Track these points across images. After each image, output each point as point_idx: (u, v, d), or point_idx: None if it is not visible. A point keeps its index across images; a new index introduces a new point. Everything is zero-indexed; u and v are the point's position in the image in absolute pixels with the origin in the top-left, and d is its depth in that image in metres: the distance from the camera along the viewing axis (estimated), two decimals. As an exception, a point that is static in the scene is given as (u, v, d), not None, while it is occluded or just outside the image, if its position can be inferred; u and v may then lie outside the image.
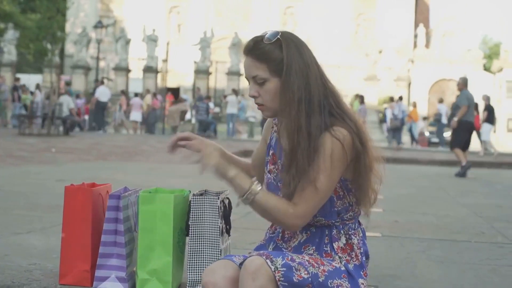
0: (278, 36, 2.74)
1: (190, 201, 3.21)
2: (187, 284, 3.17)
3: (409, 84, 53.12)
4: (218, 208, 3.18)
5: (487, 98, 24.42)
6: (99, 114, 31.62)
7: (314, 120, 2.69)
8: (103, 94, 32.28)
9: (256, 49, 2.74)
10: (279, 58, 2.71)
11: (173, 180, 10.72)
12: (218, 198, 3.19)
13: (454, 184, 12.70)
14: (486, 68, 59.35)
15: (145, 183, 9.15)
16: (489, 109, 24.40)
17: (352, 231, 2.83)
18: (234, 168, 2.72)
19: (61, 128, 26.36)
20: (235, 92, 33.86)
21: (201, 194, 3.26)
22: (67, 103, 28.18)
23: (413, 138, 32.55)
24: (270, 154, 2.91)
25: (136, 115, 33.98)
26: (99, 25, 37.91)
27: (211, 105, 34.44)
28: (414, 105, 35.67)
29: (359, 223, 2.88)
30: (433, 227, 6.42)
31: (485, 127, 25.23)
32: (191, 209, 3.18)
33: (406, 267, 4.25)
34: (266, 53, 2.72)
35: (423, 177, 14.51)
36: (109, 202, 3.22)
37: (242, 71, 40.51)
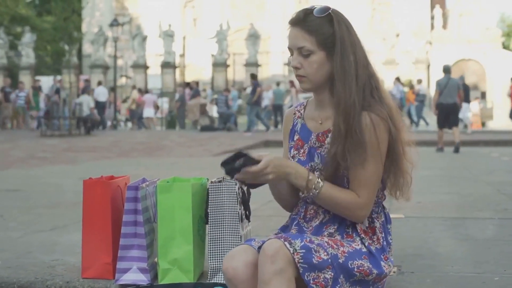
0: (330, 11, 2.76)
1: (208, 188, 3.21)
2: (209, 272, 3.17)
3: (428, 66, 52.79)
4: (237, 194, 3.17)
5: (461, 79, 24.63)
6: (99, 114, 31.71)
7: (358, 97, 2.71)
8: (101, 94, 32.57)
9: (306, 21, 2.75)
10: (328, 32, 2.73)
11: (194, 172, 10.71)
12: (236, 184, 3.18)
13: (478, 163, 12.63)
14: (505, 46, 58.90)
15: (166, 176, 9.15)
16: (465, 89, 24.58)
17: (375, 214, 2.81)
18: (291, 164, 2.71)
19: (82, 128, 26.47)
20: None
21: (220, 181, 3.26)
22: (87, 103, 28.26)
23: (412, 120, 32.16)
24: (295, 139, 2.89)
25: (148, 112, 34.29)
26: (114, 23, 37.93)
27: (231, 96, 34.37)
28: (411, 87, 35.23)
29: (383, 207, 2.86)
30: (456, 206, 6.38)
31: (463, 106, 25.26)
32: (210, 197, 3.18)
33: (429, 246, 4.23)
34: (316, 26, 2.73)
35: (443, 157, 14.44)
36: (127, 194, 3.22)
37: (260, 61, 40.52)
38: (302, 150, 2.84)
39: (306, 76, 2.77)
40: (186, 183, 3.20)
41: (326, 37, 2.72)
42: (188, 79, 49.63)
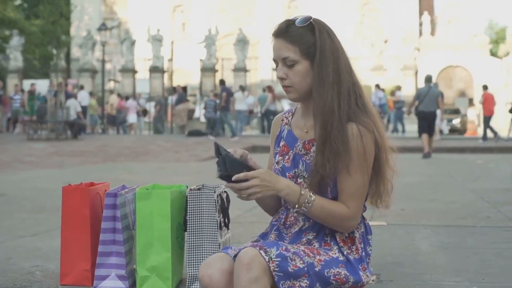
0: (311, 21, 2.79)
1: (187, 196, 3.21)
2: (187, 279, 3.17)
3: (416, 72, 52.96)
4: (215, 202, 3.18)
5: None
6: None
7: (343, 105, 2.74)
8: (84, 98, 32.58)
9: (289, 31, 2.77)
10: (311, 42, 2.75)
11: (180, 177, 10.75)
12: (215, 192, 3.18)
13: (462, 170, 12.66)
14: (493, 53, 59.10)
15: (152, 182, 9.14)
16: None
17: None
18: (282, 180, 2.70)
19: (69, 132, 26.41)
20: (242, 88, 33.80)
21: (199, 189, 3.26)
22: (75, 107, 28.19)
23: (394, 127, 32.13)
24: (281, 145, 2.91)
25: (132, 117, 34.44)
26: (103, 28, 37.88)
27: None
28: (392, 94, 35.36)
29: (363, 218, 2.88)
30: (439, 213, 6.40)
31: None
32: (188, 204, 3.18)
33: (409, 254, 4.24)
34: (299, 36, 2.76)
35: (429, 164, 14.49)
36: (106, 201, 3.22)
37: (249, 67, 40.57)
38: (287, 157, 2.86)
39: (292, 86, 2.79)
40: (165, 191, 3.20)
41: (309, 46, 2.75)
42: (176, 83, 49.65)
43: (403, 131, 31.57)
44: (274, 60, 2.84)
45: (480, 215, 6.21)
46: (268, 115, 30.78)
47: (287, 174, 2.81)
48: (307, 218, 2.81)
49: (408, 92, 43.23)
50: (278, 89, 32.97)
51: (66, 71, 52.97)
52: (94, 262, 3.28)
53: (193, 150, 20.40)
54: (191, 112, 33.65)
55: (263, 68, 55.97)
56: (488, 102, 27.24)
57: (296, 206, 2.69)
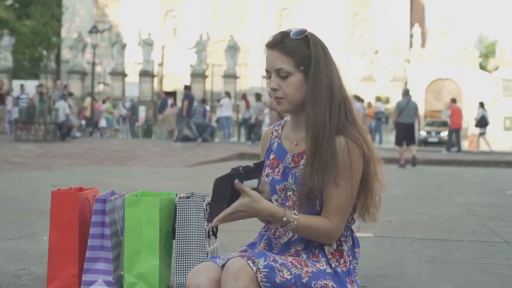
0: (306, 34, 2.80)
1: (176, 204, 3.22)
2: (174, 287, 3.17)
3: (406, 84, 53.05)
4: (204, 210, 3.18)
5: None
6: None
7: (333, 118, 2.76)
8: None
9: (284, 42, 2.78)
10: (305, 54, 2.77)
11: (168, 183, 10.74)
12: (204, 200, 3.19)
13: (450, 183, 12.72)
14: (483, 67, 59.30)
15: (140, 186, 9.15)
16: None
17: (344, 238, 2.85)
18: (265, 206, 2.68)
19: (57, 134, 26.35)
20: (228, 95, 33.78)
21: (188, 197, 3.27)
22: (63, 109, 28.11)
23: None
24: (271, 158, 2.92)
25: (103, 121, 34.51)
26: (94, 30, 37.82)
27: (207, 108, 34.44)
28: (370, 105, 35.60)
29: (352, 231, 2.90)
30: (425, 226, 6.42)
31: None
32: (177, 212, 3.18)
33: (396, 267, 4.26)
34: (294, 48, 2.77)
35: (417, 176, 14.54)
36: (95, 206, 3.23)
37: (239, 74, 40.58)
38: (277, 169, 2.87)
39: (285, 97, 2.80)
40: (154, 198, 3.21)
41: (304, 59, 2.76)
42: (166, 88, 49.66)
43: (380, 141, 31.85)
44: (267, 70, 2.85)
45: (466, 229, 6.24)
46: (244, 123, 30.98)
47: (277, 187, 2.82)
48: None
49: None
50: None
51: (56, 72, 52.79)
52: (82, 267, 3.28)
53: (181, 155, 20.38)
54: (179, 117, 33.58)
55: (253, 75, 55.97)
56: (456, 115, 28.17)
57: (282, 227, 2.73)
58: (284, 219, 2.68)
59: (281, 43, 2.79)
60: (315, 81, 2.76)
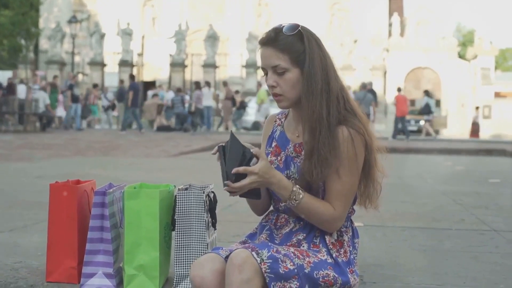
0: (299, 29, 2.81)
1: (175, 195, 3.23)
2: (174, 278, 3.19)
3: (385, 73, 53.29)
4: (204, 202, 3.19)
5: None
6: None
7: (332, 111, 2.79)
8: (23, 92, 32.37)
9: (278, 39, 2.80)
10: (300, 50, 2.79)
11: (153, 173, 10.73)
12: (204, 192, 3.21)
13: (432, 172, 12.80)
14: (461, 56, 59.65)
15: (127, 177, 9.15)
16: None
17: (344, 228, 2.89)
18: (276, 174, 2.73)
19: (37, 124, 26.24)
20: (208, 84, 33.76)
21: (186, 189, 3.29)
22: (43, 99, 27.99)
23: None
24: (273, 146, 2.96)
25: (60, 111, 34.33)
26: (73, 20, 37.67)
27: (187, 97, 34.41)
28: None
29: (351, 222, 2.94)
30: (414, 215, 6.46)
31: None
32: (177, 204, 3.19)
33: (389, 256, 4.29)
34: (288, 44, 2.79)
35: (399, 165, 14.61)
36: (95, 199, 3.23)
37: (218, 63, 40.55)
38: (279, 157, 2.91)
39: (283, 94, 2.83)
40: (154, 190, 3.21)
41: (299, 54, 2.79)
42: (146, 78, 49.52)
43: None
44: (263, 68, 2.87)
45: (454, 218, 6.29)
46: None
47: (284, 173, 2.85)
48: (298, 220, 2.87)
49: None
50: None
51: (34, 63, 52.51)
52: (81, 260, 3.29)
53: (162, 145, 20.36)
54: (160, 107, 33.55)
55: (232, 65, 55.93)
56: (401, 104, 29.25)
57: (287, 201, 2.74)
58: (294, 188, 2.71)
59: (275, 40, 2.81)
60: (310, 76, 2.78)
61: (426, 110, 32.16)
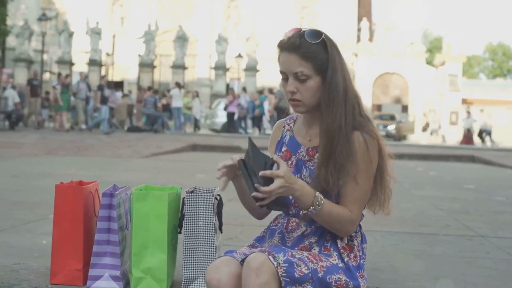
0: (323, 37, 2.81)
1: (183, 198, 3.21)
2: (182, 282, 3.17)
3: (353, 77, 53.54)
4: (213, 205, 3.19)
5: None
6: None
7: (349, 118, 2.79)
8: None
9: (302, 47, 2.79)
10: (324, 58, 2.79)
11: (129, 174, 10.67)
12: (212, 195, 3.20)
13: (406, 177, 12.86)
14: (428, 62, 60.15)
15: (103, 177, 9.07)
16: None
17: (354, 233, 2.90)
18: (298, 181, 2.70)
19: (6, 123, 25.98)
20: (179, 85, 33.67)
21: (192, 192, 3.27)
22: (12, 97, 27.71)
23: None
24: (283, 150, 2.95)
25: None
26: (43, 18, 37.24)
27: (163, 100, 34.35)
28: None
29: (360, 227, 2.95)
30: (399, 220, 6.48)
31: None
32: (186, 207, 3.18)
33: (386, 261, 4.31)
34: (313, 53, 2.78)
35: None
36: (103, 201, 3.21)
37: (187, 64, 40.44)
38: (289, 162, 2.90)
39: (302, 100, 2.83)
40: (163, 192, 3.20)
41: (323, 63, 2.80)
42: (114, 78, 49.24)
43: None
44: (282, 72, 2.86)
45: (439, 224, 6.35)
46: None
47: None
48: (309, 223, 2.86)
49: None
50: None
51: (1, 60, 51.99)
52: (86, 262, 3.26)
53: (134, 146, 20.26)
54: (130, 107, 33.40)
55: (201, 66, 55.90)
56: None
57: (310, 208, 2.70)
58: (316, 194, 2.70)
59: (299, 47, 2.80)
60: (332, 85, 2.79)
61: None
